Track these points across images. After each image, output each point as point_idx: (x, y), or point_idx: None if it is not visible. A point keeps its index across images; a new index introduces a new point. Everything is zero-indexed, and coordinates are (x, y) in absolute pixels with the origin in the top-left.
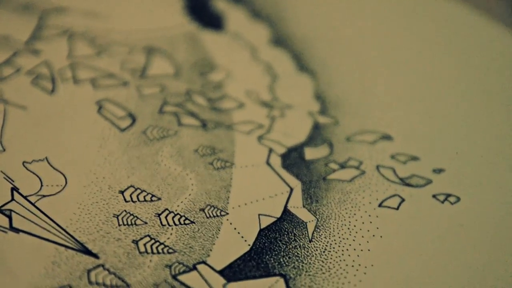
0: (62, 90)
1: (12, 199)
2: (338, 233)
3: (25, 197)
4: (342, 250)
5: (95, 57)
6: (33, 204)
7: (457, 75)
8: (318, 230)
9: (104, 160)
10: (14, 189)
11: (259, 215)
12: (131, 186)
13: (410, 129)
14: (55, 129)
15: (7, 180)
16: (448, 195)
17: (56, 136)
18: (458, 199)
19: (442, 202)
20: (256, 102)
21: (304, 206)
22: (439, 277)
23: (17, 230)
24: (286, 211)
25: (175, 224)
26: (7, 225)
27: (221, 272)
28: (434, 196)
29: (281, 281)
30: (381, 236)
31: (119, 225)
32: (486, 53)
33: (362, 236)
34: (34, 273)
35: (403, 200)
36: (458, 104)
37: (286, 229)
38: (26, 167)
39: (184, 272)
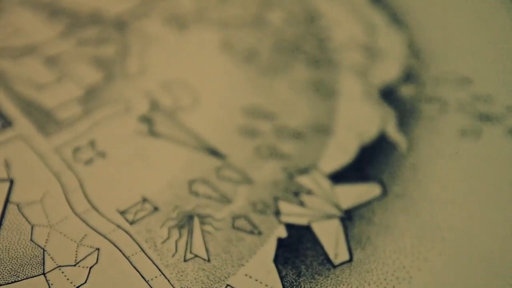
0: (190, 28)
1: (151, 109)
2: (426, 153)
3: (163, 109)
4: (430, 166)
5: (219, 3)
6: (170, 114)
7: None
8: (409, 150)
9: (228, 85)
10: (153, 101)
11: (359, 133)
12: (252, 105)
13: (488, 71)
14: (187, 57)
15: (147, 95)
16: None
17: (188, 63)
18: None
19: None
20: (356, 45)
21: (397, 131)
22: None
23: (157, 135)
24: (382, 133)
25: (290, 137)
26: (147, 130)
27: (328, 176)
28: (509, 131)
29: (378, 186)
30: (461, 158)
31: (243, 134)
32: None
33: (445, 158)
34: (172, 168)
35: (481, 132)
36: None
37: (382, 146)
38: (163, 86)
39: (298, 174)
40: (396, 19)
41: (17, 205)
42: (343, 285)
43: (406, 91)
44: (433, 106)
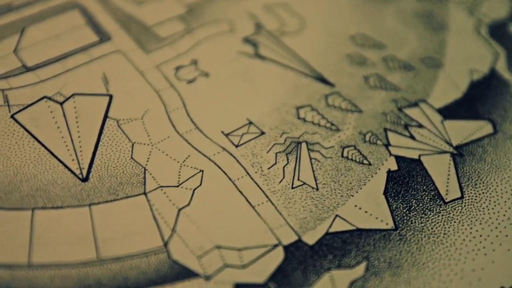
0: None
1: (256, 31)
2: None
3: (269, 32)
4: None
5: None
6: (275, 38)
7: None
8: None
9: (335, 14)
10: (257, 24)
11: (470, 69)
12: (359, 34)
13: None
14: None
15: (251, 17)
16: None
17: None
18: None
19: None
20: None
21: (508, 69)
22: None
23: (262, 58)
24: (493, 70)
25: (399, 68)
26: (253, 53)
27: (438, 110)
28: None
29: (489, 124)
30: None
31: (351, 63)
32: None
33: None
34: (278, 92)
35: None
36: None
37: (494, 85)
38: (268, 9)
39: (407, 106)
40: None
41: (117, 121)
42: (455, 222)
43: None
44: None
